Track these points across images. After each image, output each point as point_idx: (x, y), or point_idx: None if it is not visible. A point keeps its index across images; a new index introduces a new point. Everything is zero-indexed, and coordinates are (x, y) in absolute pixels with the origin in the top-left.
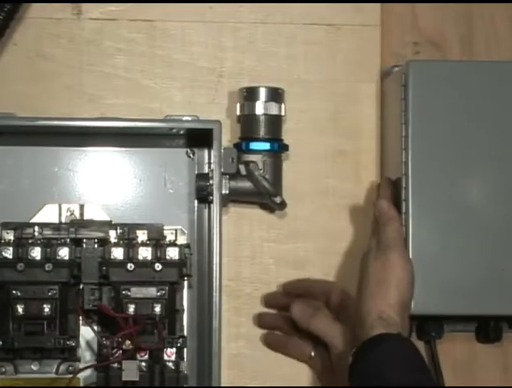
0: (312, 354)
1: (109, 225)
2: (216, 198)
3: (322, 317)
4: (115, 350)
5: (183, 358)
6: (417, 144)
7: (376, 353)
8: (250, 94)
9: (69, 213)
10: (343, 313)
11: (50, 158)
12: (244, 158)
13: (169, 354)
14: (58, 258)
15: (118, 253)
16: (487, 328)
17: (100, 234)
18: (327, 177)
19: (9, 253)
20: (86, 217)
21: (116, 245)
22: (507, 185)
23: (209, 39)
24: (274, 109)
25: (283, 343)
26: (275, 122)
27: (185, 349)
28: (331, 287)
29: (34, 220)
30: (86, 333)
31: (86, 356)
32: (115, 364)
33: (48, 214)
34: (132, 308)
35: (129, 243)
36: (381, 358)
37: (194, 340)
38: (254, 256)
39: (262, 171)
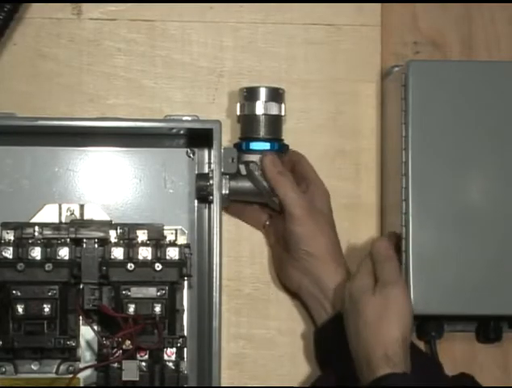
0: (267, 223)
1: (109, 225)
2: (216, 198)
3: (289, 178)
4: (115, 350)
5: (183, 358)
6: (417, 144)
7: None
8: (250, 94)
9: (69, 213)
10: (302, 184)
11: (50, 158)
12: (244, 158)
13: (170, 354)
14: (58, 258)
15: (118, 253)
16: (487, 328)
17: (100, 234)
18: (327, 177)
19: (9, 253)
20: (86, 217)
21: (116, 245)
22: (507, 185)
23: (209, 39)
24: (274, 109)
25: (241, 211)
26: (275, 122)
27: (185, 349)
28: (298, 158)
29: (34, 220)
30: (86, 333)
31: (86, 356)
32: (115, 364)
33: (48, 214)
34: (132, 308)
35: (129, 243)
36: None
37: (194, 340)
38: (254, 256)
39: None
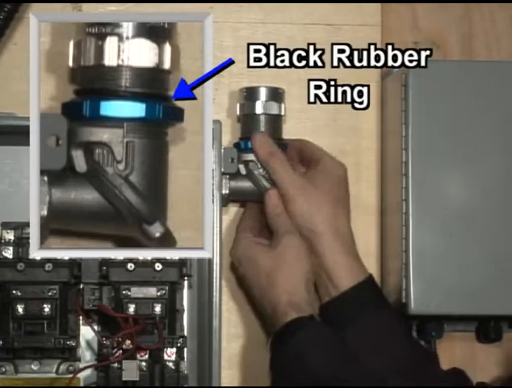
0: None
1: None
2: (216, 198)
3: (281, 158)
4: (115, 350)
5: (183, 358)
6: (417, 144)
7: (293, 343)
8: (250, 94)
9: None
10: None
11: None
12: (244, 158)
13: (170, 354)
14: (58, 258)
15: None
16: (487, 328)
17: None
18: None
19: (9, 253)
20: None
21: None
22: (507, 185)
23: None
24: (274, 109)
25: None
26: (276, 122)
27: (185, 349)
28: (303, 143)
29: None
30: (86, 333)
31: (86, 355)
32: (115, 364)
33: None
34: (132, 308)
35: None
36: (299, 347)
37: (194, 340)
38: None
39: (261, 171)
